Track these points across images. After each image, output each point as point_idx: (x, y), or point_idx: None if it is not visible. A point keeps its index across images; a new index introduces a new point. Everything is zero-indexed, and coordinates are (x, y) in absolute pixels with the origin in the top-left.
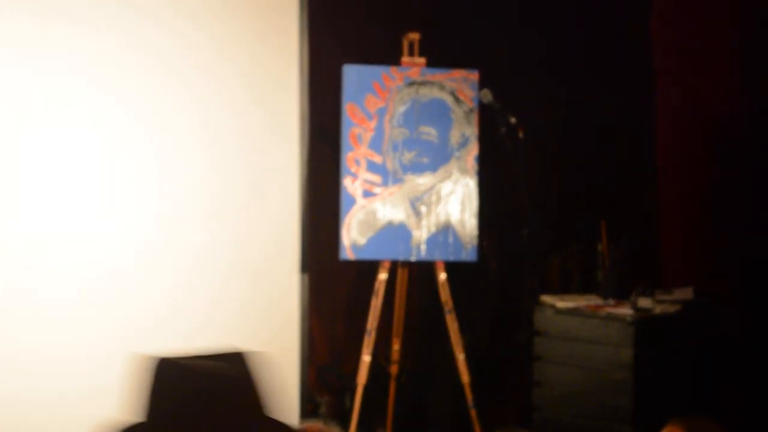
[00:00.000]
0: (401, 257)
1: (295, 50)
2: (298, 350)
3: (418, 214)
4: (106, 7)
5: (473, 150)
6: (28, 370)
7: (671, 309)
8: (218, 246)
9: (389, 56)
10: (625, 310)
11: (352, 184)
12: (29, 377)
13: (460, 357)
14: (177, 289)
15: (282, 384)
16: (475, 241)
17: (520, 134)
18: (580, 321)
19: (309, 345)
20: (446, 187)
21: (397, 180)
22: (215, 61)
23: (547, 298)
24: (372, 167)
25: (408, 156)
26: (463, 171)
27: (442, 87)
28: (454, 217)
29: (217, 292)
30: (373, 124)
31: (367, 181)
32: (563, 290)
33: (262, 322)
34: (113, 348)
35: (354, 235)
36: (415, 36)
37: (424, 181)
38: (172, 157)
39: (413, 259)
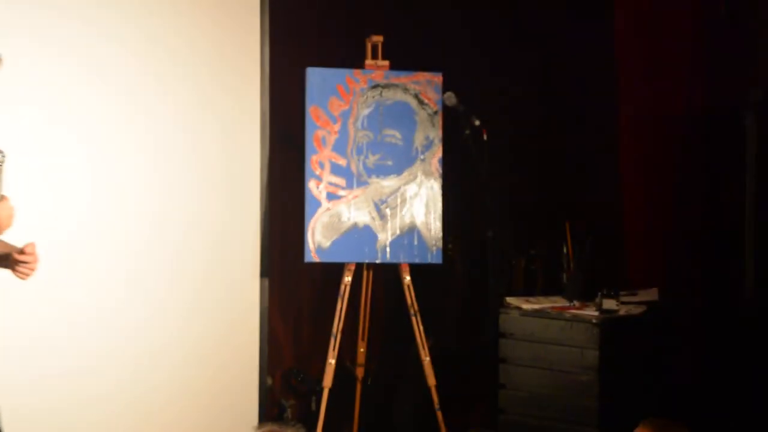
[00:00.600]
0: (366, 260)
1: (257, 53)
2: (257, 354)
3: (382, 216)
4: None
5: (437, 153)
6: None
7: (636, 311)
8: (177, 251)
9: (353, 59)
10: (590, 312)
11: (316, 187)
12: None
13: (426, 359)
14: (135, 297)
15: (242, 388)
16: (440, 244)
17: (485, 136)
18: (546, 323)
19: (275, 349)
20: (411, 189)
21: (362, 183)
22: (173, 65)
23: (512, 300)
24: (336, 170)
25: (372, 159)
26: (428, 174)
27: (406, 90)
28: (419, 220)
29: (176, 297)
30: (337, 127)
31: (331, 184)
32: (528, 292)
33: (222, 326)
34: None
35: (319, 238)
36: (378, 38)
37: (388, 183)
38: (128, 161)
39: (378, 261)
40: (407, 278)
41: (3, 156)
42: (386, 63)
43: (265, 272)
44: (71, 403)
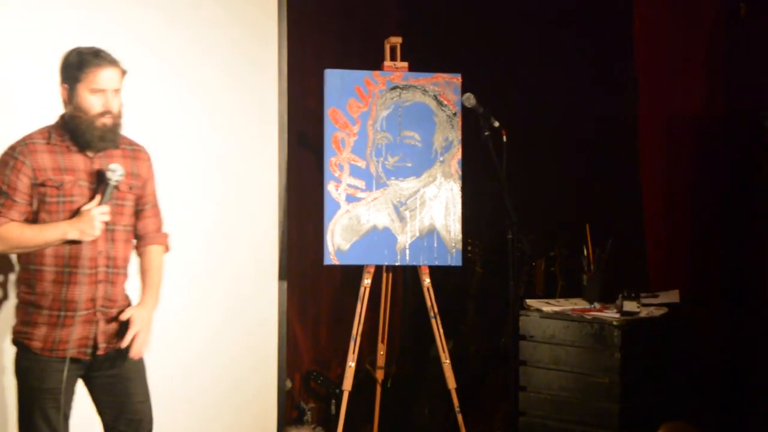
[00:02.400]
0: (386, 262)
1: (274, 55)
2: (276, 357)
3: (402, 218)
4: None
5: (457, 154)
6: None
7: (657, 312)
8: (197, 254)
9: (371, 61)
10: (611, 314)
11: (335, 190)
12: None
13: (446, 362)
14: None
15: (261, 390)
16: (459, 246)
17: (504, 138)
18: (566, 325)
19: (294, 352)
20: (430, 191)
21: (381, 185)
22: (193, 66)
23: (532, 302)
24: (355, 172)
25: (391, 160)
26: (447, 175)
27: (425, 91)
28: (439, 222)
29: (196, 300)
30: (356, 128)
31: (350, 186)
32: (548, 294)
33: (241, 329)
34: None
35: (338, 241)
36: (397, 40)
37: (408, 185)
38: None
39: (398, 264)
40: (427, 280)
41: (122, 175)
42: (405, 64)
43: (283, 275)
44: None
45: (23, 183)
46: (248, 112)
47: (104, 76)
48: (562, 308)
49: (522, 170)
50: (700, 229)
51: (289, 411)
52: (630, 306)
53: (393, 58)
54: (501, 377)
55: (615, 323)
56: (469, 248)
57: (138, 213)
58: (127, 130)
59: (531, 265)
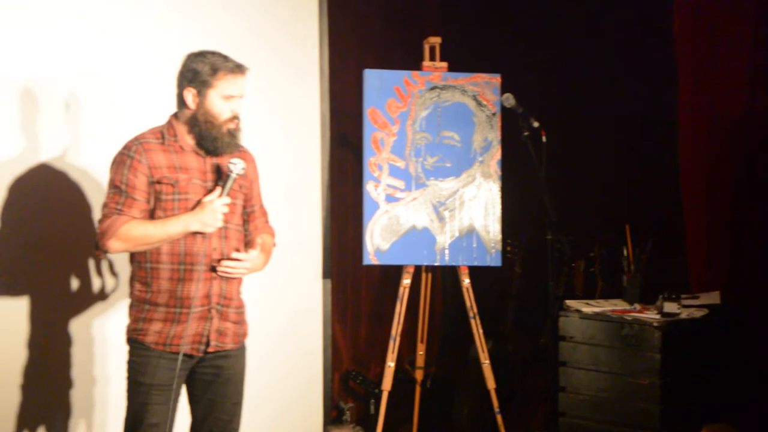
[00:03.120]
0: (425, 262)
1: (316, 56)
2: (321, 356)
3: (441, 218)
4: None
5: (496, 154)
6: None
7: (698, 314)
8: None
9: (411, 61)
10: (652, 315)
11: (375, 190)
12: None
13: (485, 362)
14: None
15: (307, 390)
16: (499, 246)
17: (543, 138)
18: (606, 326)
19: (333, 351)
20: (470, 191)
21: (420, 185)
22: None
23: (572, 303)
24: (395, 172)
25: (431, 161)
26: (487, 175)
27: (464, 91)
28: (478, 222)
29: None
30: (395, 128)
31: (390, 186)
32: (588, 295)
33: (285, 328)
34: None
35: (377, 241)
36: (436, 40)
37: (447, 185)
38: None
39: (437, 264)
40: (466, 281)
41: (243, 168)
42: (444, 65)
43: (327, 273)
44: None
45: (141, 181)
46: (291, 113)
47: (237, 83)
48: (602, 309)
49: (561, 170)
50: (742, 229)
51: (328, 410)
52: (670, 307)
53: (432, 58)
54: (540, 378)
55: (655, 324)
56: (509, 248)
57: (248, 215)
58: None
59: (570, 266)
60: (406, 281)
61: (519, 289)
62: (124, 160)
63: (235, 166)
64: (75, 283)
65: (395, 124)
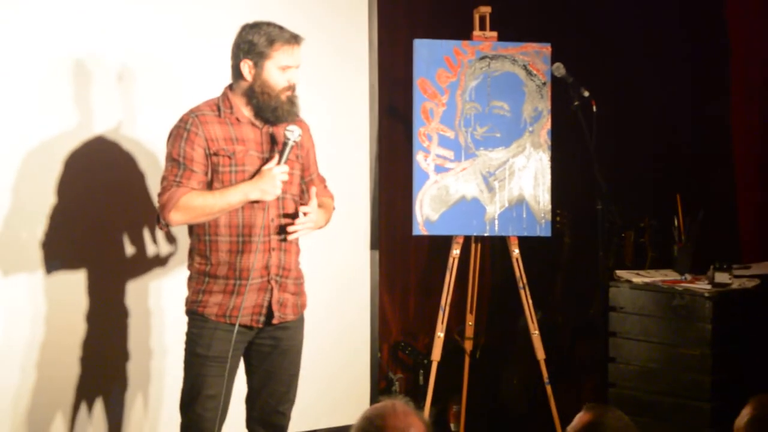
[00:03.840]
0: (474, 233)
1: (365, 25)
2: (369, 327)
3: (491, 189)
4: None
5: (546, 124)
6: None
7: (749, 284)
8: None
9: (460, 30)
10: (703, 286)
11: (424, 160)
12: None
13: (535, 333)
14: None
15: (355, 361)
16: (548, 216)
17: (594, 108)
18: (656, 296)
19: (382, 322)
20: (519, 161)
21: (470, 155)
22: None
23: (622, 273)
24: (444, 142)
25: (480, 131)
26: (537, 145)
27: (514, 61)
28: (528, 192)
29: None
30: (444, 98)
31: (439, 156)
32: (638, 265)
33: (333, 299)
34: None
35: (427, 211)
36: (486, 10)
37: (496, 155)
38: None
39: (486, 234)
40: (516, 251)
41: (299, 135)
42: (494, 34)
43: (375, 244)
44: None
45: (198, 153)
46: (339, 84)
47: (294, 54)
48: (652, 279)
49: (612, 140)
50: None
51: (376, 381)
52: (721, 277)
53: (482, 28)
54: (590, 348)
55: (706, 295)
56: (558, 219)
57: (307, 184)
58: None
59: (621, 236)
60: (456, 252)
61: (568, 260)
62: (180, 133)
63: (292, 133)
64: (131, 251)
65: (445, 94)
